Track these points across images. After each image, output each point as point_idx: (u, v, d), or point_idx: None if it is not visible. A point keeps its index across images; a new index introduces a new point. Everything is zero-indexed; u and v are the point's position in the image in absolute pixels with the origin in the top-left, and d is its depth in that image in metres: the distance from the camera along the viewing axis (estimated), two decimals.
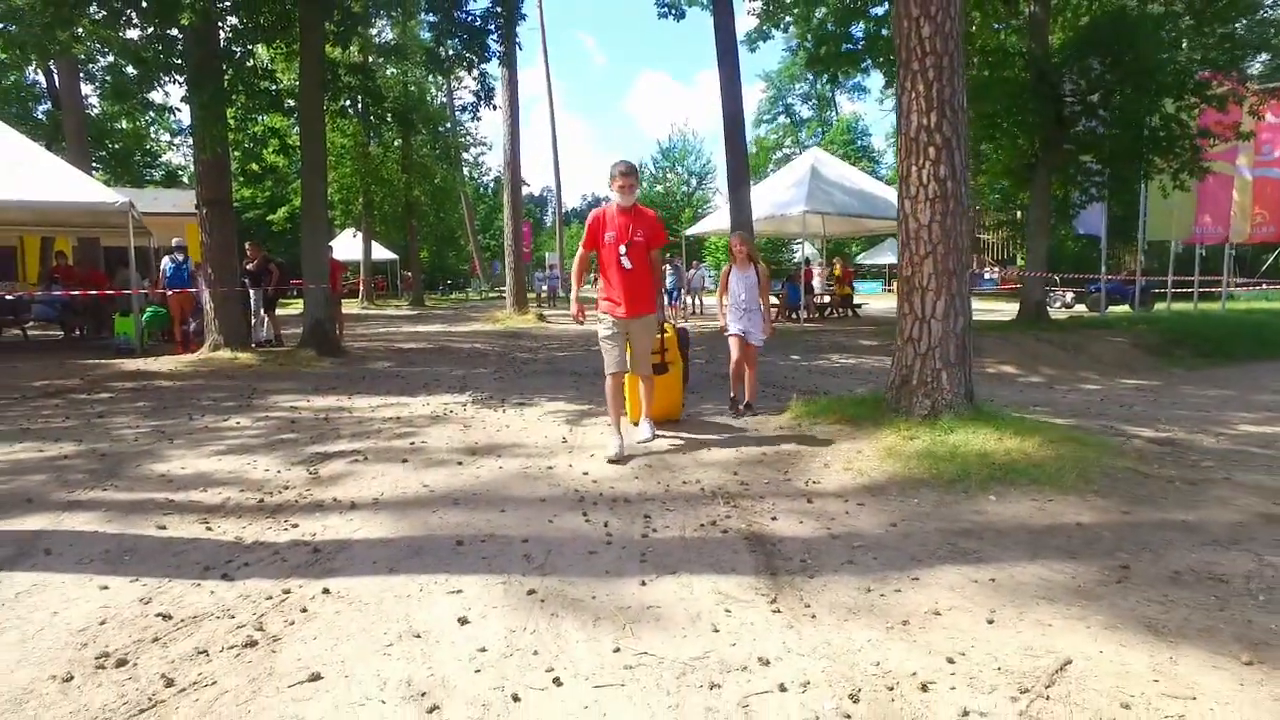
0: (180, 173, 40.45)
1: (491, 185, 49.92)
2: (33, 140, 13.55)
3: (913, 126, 5.32)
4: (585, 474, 4.60)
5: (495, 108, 15.46)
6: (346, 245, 30.08)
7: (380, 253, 36.46)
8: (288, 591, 2.90)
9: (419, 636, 2.52)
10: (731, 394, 6.48)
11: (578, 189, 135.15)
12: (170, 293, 12.13)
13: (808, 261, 18.85)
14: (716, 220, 18.81)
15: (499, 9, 12.57)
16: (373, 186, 28.25)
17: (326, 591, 2.89)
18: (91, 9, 9.01)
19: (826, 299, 20.30)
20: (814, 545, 3.30)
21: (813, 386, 7.94)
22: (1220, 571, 2.88)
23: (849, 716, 2.00)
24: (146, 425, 6.36)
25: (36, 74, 22.24)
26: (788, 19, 16.75)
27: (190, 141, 12.24)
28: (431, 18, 12.75)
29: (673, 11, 16.01)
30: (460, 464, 4.89)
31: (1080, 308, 22.76)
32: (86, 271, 15.60)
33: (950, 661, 2.26)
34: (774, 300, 19.61)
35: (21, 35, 8.56)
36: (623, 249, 5.06)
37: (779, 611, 2.64)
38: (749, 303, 6.12)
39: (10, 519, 3.83)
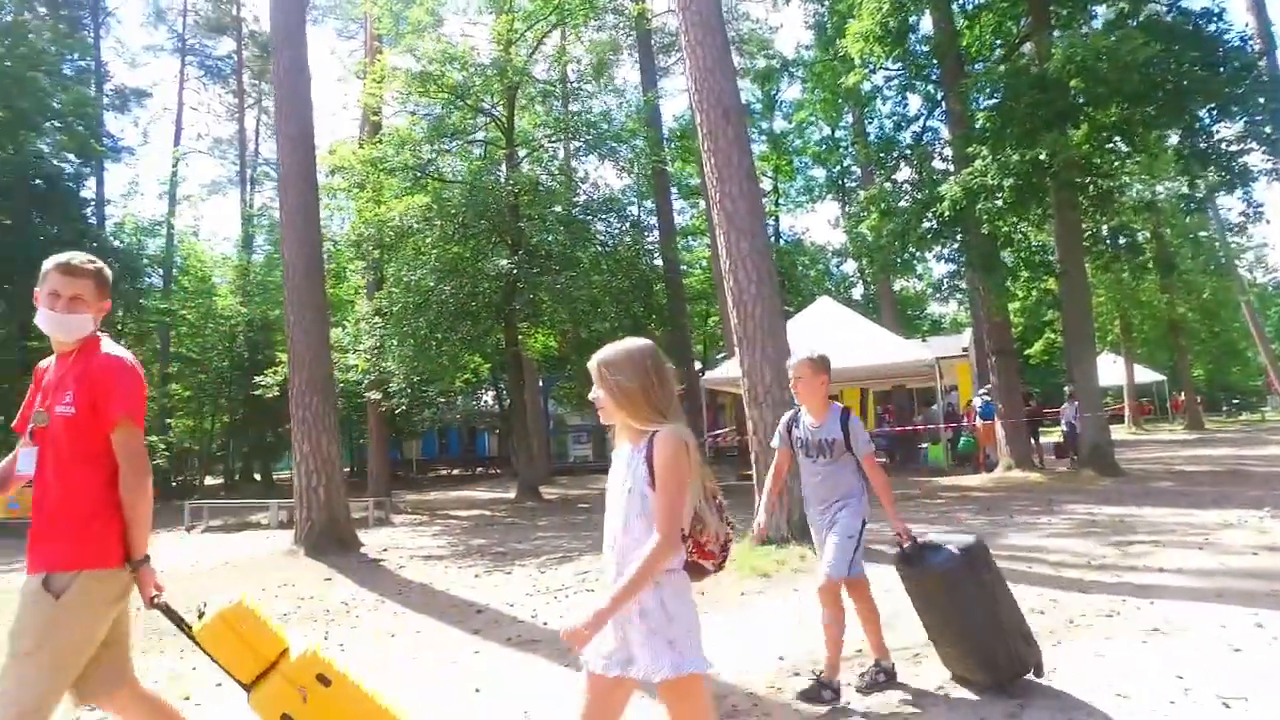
0: (941, 320, 47.31)
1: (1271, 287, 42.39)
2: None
3: None
4: None
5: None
6: (1106, 371, 30.22)
7: (1143, 375, 34.97)
8: (1124, 601, 4.85)
9: (1225, 628, 4.18)
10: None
11: None
12: (981, 424, 15.45)
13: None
14: None
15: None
16: (1130, 310, 28.17)
17: (1152, 602, 4.75)
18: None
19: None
20: None
21: None
22: None
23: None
24: (982, 518, 9.08)
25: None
26: None
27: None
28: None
29: None
30: (1255, 554, 6.02)
31: None
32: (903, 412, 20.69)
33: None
34: None
35: (882, 259, 13.41)
36: (26, 434, 2.59)
37: None
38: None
39: None
